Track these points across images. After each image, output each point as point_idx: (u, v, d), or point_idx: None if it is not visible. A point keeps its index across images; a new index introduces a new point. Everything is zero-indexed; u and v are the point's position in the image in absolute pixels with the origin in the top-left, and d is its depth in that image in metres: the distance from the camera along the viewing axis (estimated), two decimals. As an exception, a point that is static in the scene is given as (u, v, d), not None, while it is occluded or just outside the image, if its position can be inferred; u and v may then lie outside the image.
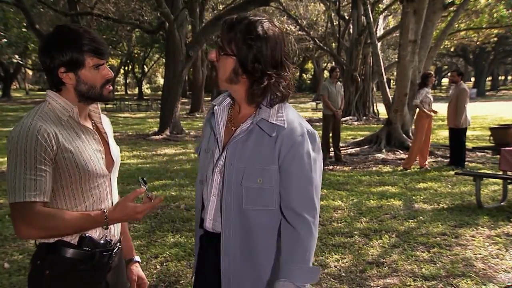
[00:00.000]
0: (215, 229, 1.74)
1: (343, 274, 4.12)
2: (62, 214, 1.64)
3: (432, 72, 9.40)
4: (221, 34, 1.63)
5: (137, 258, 2.07)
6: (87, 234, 1.72)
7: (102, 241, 1.77)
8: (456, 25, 18.61)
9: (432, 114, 8.93)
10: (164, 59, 25.64)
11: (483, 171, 8.49)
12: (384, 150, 11.08)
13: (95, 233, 1.75)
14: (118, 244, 1.88)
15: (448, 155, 9.59)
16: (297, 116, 1.70)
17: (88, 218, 1.66)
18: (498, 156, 6.79)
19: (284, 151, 1.61)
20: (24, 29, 15.08)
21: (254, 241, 1.67)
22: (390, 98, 12.06)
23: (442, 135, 13.82)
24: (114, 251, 1.83)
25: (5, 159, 10.22)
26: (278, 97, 1.65)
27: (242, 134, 1.65)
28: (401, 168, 9.13)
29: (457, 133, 8.87)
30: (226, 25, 1.62)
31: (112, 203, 1.84)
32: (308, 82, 54.63)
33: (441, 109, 9.75)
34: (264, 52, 1.59)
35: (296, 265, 1.61)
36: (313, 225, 1.65)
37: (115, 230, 1.85)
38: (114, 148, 1.90)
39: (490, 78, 49.97)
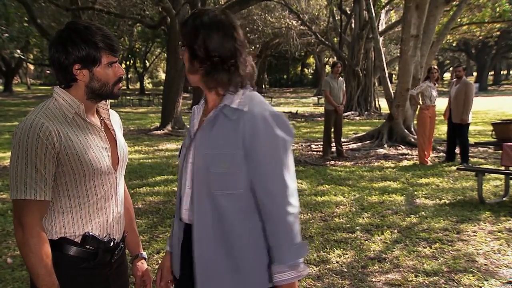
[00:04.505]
0: (191, 219, 1.76)
1: (345, 270, 4.13)
2: (43, 250, 1.60)
3: (435, 67, 9.38)
4: (179, 31, 1.75)
5: (144, 254, 2.07)
6: (90, 233, 1.72)
7: (105, 240, 1.77)
8: (459, 20, 18.53)
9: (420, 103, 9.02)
10: (165, 54, 25.60)
11: (485, 166, 8.49)
12: (386, 145, 11.08)
13: (99, 232, 1.75)
14: (121, 243, 1.89)
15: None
16: (261, 101, 1.73)
17: (43, 273, 1.60)
18: (500, 151, 6.78)
19: (247, 135, 1.64)
20: (25, 24, 15.04)
21: (226, 226, 1.69)
22: (392, 93, 12.04)
23: (444, 130, 13.79)
24: (117, 250, 1.84)
25: (7, 154, 10.17)
26: (237, 82, 1.71)
27: (207, 122, 1.72)
28: (403, 164, 9.13)
29: (464, 129, 8.85)
30: (182, 23, 1.74)
31: (117, 201, 1.84)
32: (310, 77, 54.59)
33: (442, 104, 9.72)
34: (211, 38, 1.66)
35: (283, 247, 1.65)
36: (288, 204, 1.66)
37: (118, 229, 1.85)
38: (123, 145, 1.89)
39: (492, 72, 49.77)
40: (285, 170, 1.67)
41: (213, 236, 1.69)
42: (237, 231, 1.69)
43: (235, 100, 1.69)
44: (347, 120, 17.95)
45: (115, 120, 1.93)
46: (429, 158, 9.18)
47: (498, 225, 5.33)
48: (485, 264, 4.23)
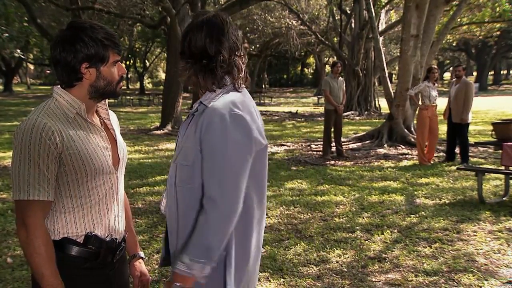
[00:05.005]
0: (165, 210, 1.85)
1: (345, 270, 4.13)
2: (47, 250, 1.61)
3: (435, 67, 9.37)
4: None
5: (141, 254, 2.07)
6: (93, 233, 1.72)
7: (107, 240, 1.77)
8: (459, 19, 18.53)
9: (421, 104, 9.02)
10: (165, 54, 25.61)
11: (485, 166, 8.49)
12: (386, 145, 11.08)
13: (101, 232, 1.76)
14: (122, 243, 1.89)
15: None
16: (231, 101, 1.68)
17: (48, 273, 1.61)
18: (500, 151, 6.78)
19: (203, 130, 1.66)
20: (25, 24, 15.04)
21: (184, 219, 1.73)
22: (392, 93, 12.04)
23: (444, 130, 13.78)
24: (118, 249, 1.84)
25: (7, 153, 10.14)
26: (213, 81, 1.73)
27: (186, 118, 1.80)
28: (403, 164, 9.13)
29: (464, 128, 8.84)
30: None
31: (118, 200, 1.84)
32: (310, 76, 54.54)
33: (442, 103, 9.74)
34: (196, 39, 1.72)
35: (193, 241, 1.63)
36: (223, 206, 1.61)
37: (120, 229, 1.85)
38: (122, 145, 1.90)
39: (492, 72, 49.74)
40: (230, 171, 1.63)
41: (177, 226, 1.75)
42: (189, 224, 1.70)
43: (209, 98, 1.72)
44: (347, 120, 17.94)
45: (114, 120, 1.93)
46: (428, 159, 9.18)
47: (498, 225, 5.33)
48: (485, 264, 4.23)
